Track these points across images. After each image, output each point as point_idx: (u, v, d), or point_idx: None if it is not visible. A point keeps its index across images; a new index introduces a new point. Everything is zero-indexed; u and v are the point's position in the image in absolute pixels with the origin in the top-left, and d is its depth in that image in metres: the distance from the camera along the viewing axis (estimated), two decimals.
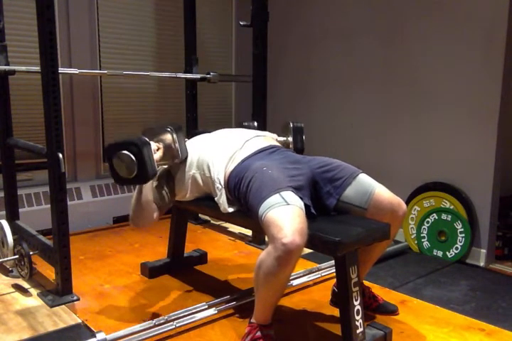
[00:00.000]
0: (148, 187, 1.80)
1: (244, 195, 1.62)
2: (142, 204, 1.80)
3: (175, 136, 1.82)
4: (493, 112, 2.45)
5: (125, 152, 1.63)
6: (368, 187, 1.68)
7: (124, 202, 3.24)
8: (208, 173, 1.78)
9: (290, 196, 1.49)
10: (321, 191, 1.71)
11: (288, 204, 1.45)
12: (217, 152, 1.80)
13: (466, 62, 2.53)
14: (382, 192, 1.68)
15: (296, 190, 1.55)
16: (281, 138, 2.18)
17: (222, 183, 1.74)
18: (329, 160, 1.77)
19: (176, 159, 1.84)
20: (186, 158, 1.88)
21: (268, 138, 1.94)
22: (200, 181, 1.82)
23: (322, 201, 1.71)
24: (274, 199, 1.47)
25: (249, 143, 1.83)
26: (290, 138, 2.17)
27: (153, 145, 1.78)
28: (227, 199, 1.75)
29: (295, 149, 2.14)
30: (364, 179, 1.71)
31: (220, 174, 1.75)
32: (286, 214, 1.42)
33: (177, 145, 1.81)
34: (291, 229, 1.37)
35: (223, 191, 1.74)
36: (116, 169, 1.67)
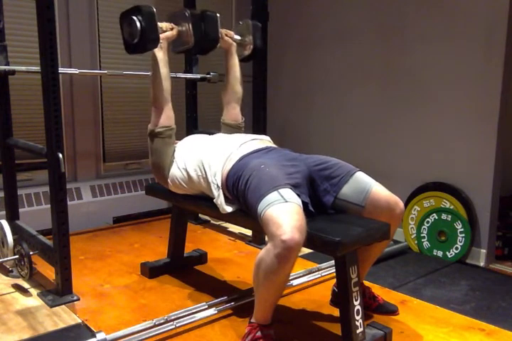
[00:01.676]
0: (163, 61, 1.91)
1: (242, 193, 1.63)
2: (159, 76, 1.90)
3: (190, 23, 1.93)
4: (493, 112, 2.45)
5: (131, 17, 1.79)
6: (365, 185, 1.68)
7: (124, 202, 3.25)
8: (205, 174, 1.79)
9: (288, 193, 1.49)
10: (318, 189, 1.71)
11: (286, 201, 1.45)
12: (214, 153, 1.81)
13: (466, 62, 2.53)
14: (379, 191, 1.68)
15: (294, 187, 1.56)
16: (238, 37, 2.19)
17: (220, 184, 1.74)
18: (326, 158, 1.78)
19: (188, 44, 1.97)
20: (177, 154, 1.93)
21: (265, 141, 1.95)
22: (197, 181, 1.84)
23: (319, 199, 1.71)
24: (272, 196, 1.47)
25: (246, 144, 1.84)
26: (247, 38, 2.19)
27: (169, 24, 1.95)
28: (226, 198, 1.76)
29: (255, 48, 2.19)
30: (361, 177, 1.71)
31: (217, 175, 1.75)
32: (284, 212, 1.42)
33: (191, 31, 1.94)
34: (290, 226, 1.37)
35: (221, 192, 1.74)
36: (125, 36, 1.85)
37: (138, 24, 1.78)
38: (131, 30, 1.81)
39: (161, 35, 1.89)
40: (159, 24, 1.88)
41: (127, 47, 1.88)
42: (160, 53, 1.91)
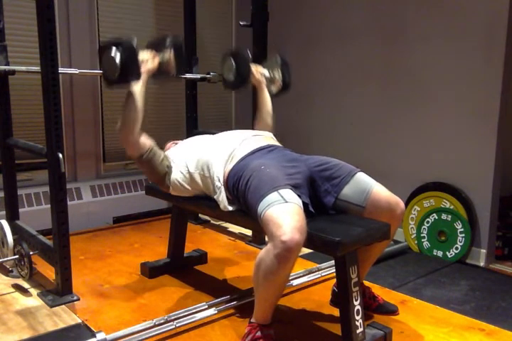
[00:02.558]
0: (138, 94, 1.79)
1: (243, 193, 1.63)
2: (131, 109, 1.78)
3: (172, 51, 1.85)
4: (493, 112, 2.45)
5: (110, 51, 1.68)
6: (366, 185, 1.68)
7: (124, 202, 3.25)
8: (208, 173, 1.78)
9: (288, 194, 1.49)
10: (318, 189, 1.71)
11: (286, 202, 1.45)
12: (216, 152, 1.81)
13: (466, 62, 2.53)
14: (380, 191, 1.68)
15: (294, 188, 1.56)
16: (268, 74, 2.17)
17: (222, 183, 1.74)
18: (327, 159, 1.78)
19: (170, 74, 1.88)
20: (177, 156, 1.91)
21: (266, 138, 1.95)
22: (199, 181, 1.83)
23: (320, 199, 1.71)
24: (272, 197, 1.47)
25: (247, 142, 1.83)
26: (277, 75, 2.16)
27: (150, 54, 1.83)
28: (227, 198, 1.76)
29: (283, 83, 2.16)
30: (362, 177, 1.72)
31: (219, 173, 1.75)
32: (284, 212, 1.42)
33: (174, 61, 1.85)
34: (290, 226, 1.37)
35: (222, 189, 1.74)
36: (104, 70, 1.73)
37: (118, 59, 1.66)
38: (111, 65, 1.69)
39: (142, 69, 1.78)
40: (140, 55, 1.77)
41: (106, 81, 1.76)
42: (138, 86, 1.79)
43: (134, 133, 1.81)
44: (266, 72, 2.19)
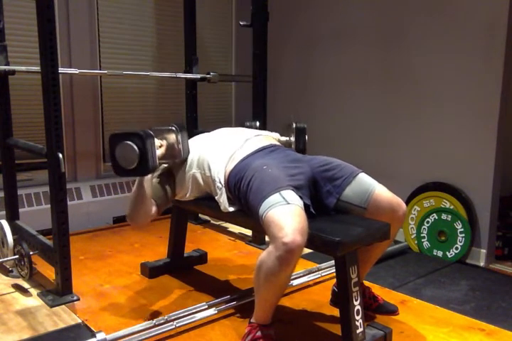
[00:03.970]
0: (148, 182, 1.78)
1: (244, 194, 1.62)
2: (141, 198, 1.78)
3: (179, 135, 1.82)
4: (493, 112, 2.45)
5: (129, 142, 1.63)
6: (368, 186, 1.68)
7: (124, 202, 3.22)
8: (209, 173, 1.78)
9: (290, 195, 1.49)
10: (320, 190, 1.71)
11: (288, 203, 1.45)
12: (218, 151, 1.80)
13: (466, 61, 2.53)
14: (382, 192, 1.68)
15: (296, 189, 1.56)
16: (284, 139, 2.17)
17: (223, 182, 1.74)
18: (329, 159, 1.77)
19: (176, 159, 1.84)
20: (187, 157, 1.88)
21: (268, 138, 1.94)
22: (201, 180, 1.82)
23: (322, 200, 1.71)
24: (274, 198, 1.47)
25: (250, 142, 1.83)
26: (292, 139, 2.16)
27: (157, 141, 1.77)
28: (228, 198, 1.75)
29: (297, 150, 2.14)
30: (364, 178, 1.71)
31: (220, 173, 1.74)
32: (286, 214, 1.42)
33: (180, 145, 1.82)
34: (292, 228, 1.37)
35: (223, 190, 1.74)
36: (117, 159, 1.67)
37: (137, 151, 1.62)
38: (127, 156, 1.63)
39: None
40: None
41: (118, 169, 1.68)
42: (149, 177, 1.77)
43: (149, 217, 1.83)
44: (282, 138, 2.16)
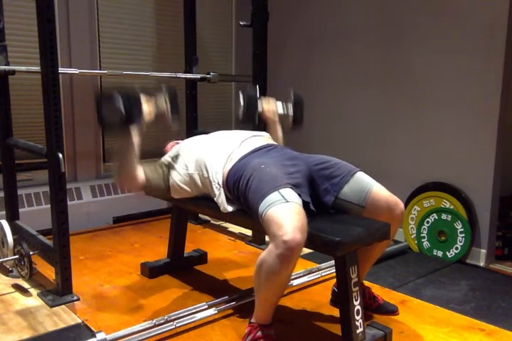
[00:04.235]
0: (136, 147, 1.77)
1: (243, 193, 1.63)
2: (127, 158, 1.77)
3: (168, 101, 1.84)
4: (493, 112, 2.45)
5: (114, 96, 1.66)
6: (366, 185, 1.68)
7: (124, 202, 3.25)
8: (206, 174, 1.78)
9: (289, 193, 1.49)
10: (318, 188, 1.71)
11: (287, 201, 1.45)
12: (215, 152, 1.80)
13: (466, 61, 2.53)
14: (380, 191, 1.68)
15: (295, 187, 1.56)
16: (281, 111, 2.15)
17: (221, 183, 1.74)
18: (327, 157, 1.78)
19: (163, 125, 1.87)
20: (177, 156, 1.91)
21: (265, 138, 1.95)
22: (199, 181, 1.82)
23: (320, 198, 1.71)
24: (273, 196, 1.47)
25: (247, 142, 1.84)
26: (290, 111, 2.14)
27: (146, 103, 1.79)
28: (227, 198, 1.76)
29: (294, 121, 2.13)
30: (362, 177, 1.72)
31: (218, 174, 1.75)
32: (285, 212, 1.42)
33: (169, 114, 1.85)
34: (292, 226, 1.37)
35: (222, 190, 1.74)
36: (102, 113, 1.69)
37: (122, 103, 1.65)
38: (113, 107, 1.66)
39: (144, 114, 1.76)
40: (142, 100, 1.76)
41: (103, 124, 1.72)
42: (136, 137, 1.75)
43: (134, 176, 1.80)
44: (280, 108, 2.16)
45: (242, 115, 2.04)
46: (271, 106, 2.13)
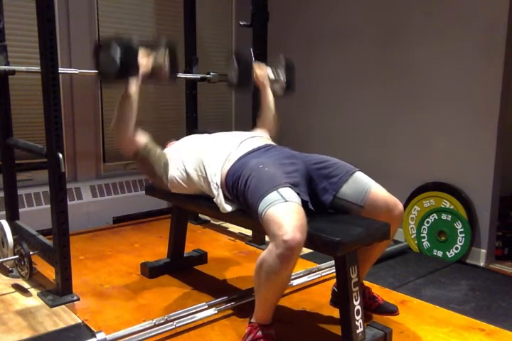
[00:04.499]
0: (133, 97, 1.80)
1: (242, 193, 1.63)
2: (125, 112, 1.81)
3: (167, 55, 1.85)
4: (493, 112, 2.45)
5: (112, 45, 1.68)
6: (364, 185, 1.68)
7: (124, 202, 3.25)
8: (204, 174, 1.79)
9: (288, 193, 1.49)
10: (316, 188, 1.71)
11: (286, 200, 1.45)
12: (214, 153, 1.81)
13: (466, 61, 2.53)
14: (378, 191, 1.68)
15: (294, 186, 1.56)
16: (272, 76, 2.16)
17: (219, 184, 1.74)
18: (325, 157, 1.78)
19: (163, 76, 1.87)
20: (176, 153, 1.92)
21: (264, 139, 1.95)
22: (197, 180, 1.83)
23: (318, 197, 1.71)
24: (272, 196, 1.47)
25: (245, 142, 1.84)
26: (282, 76, 2.15)
27: (145, 52, 1.81)
28: (226, 198, 1.76)
29: (287, 84, 2.16)
30: (360, 177, 1.72)
31: (216, 175, 1.75)
32: (285, 211, 1.43)
33: (166, 68, 1.85)
34: (291, 225, 1.38)
35: (220, 191, 1.74)
36: (100, 62, 1.71)
37: (118, 54, 1.67)
38: (110, 60, 1.68)
39: (140, 66, 1.79)
40: (139, 52, 1.79)
41: (104, 76, 1.77)
42: (133, 87, 1.80)
43: (129, 130, 1.85)
44: (270, 72, 2.18)
45: (237, 80, 2.03)
46: (263, 72, 2.15)
